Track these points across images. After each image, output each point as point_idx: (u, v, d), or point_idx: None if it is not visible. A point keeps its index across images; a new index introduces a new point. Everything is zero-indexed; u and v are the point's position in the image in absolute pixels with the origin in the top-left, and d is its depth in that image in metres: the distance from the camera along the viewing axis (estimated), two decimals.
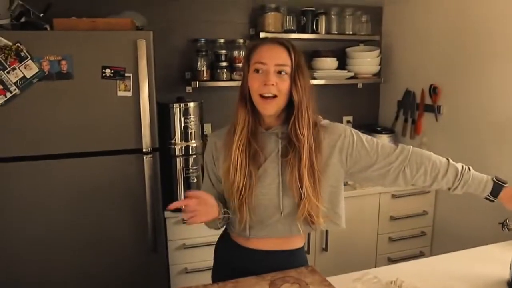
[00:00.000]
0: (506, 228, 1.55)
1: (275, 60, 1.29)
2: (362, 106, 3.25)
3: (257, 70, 1.30)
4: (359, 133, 1.41)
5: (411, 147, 1.41)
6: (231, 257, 1.48)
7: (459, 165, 1.40)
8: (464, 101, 2.49)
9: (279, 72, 1.29)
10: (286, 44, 1.31)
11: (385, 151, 1.38)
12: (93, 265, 2.15)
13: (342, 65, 2.97)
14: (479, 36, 2.36)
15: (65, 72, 1.95)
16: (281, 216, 1.37)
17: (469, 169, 1.40)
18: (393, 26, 3.05)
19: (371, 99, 3.28)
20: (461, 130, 2.53)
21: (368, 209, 2.67)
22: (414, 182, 1.39)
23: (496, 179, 1.38)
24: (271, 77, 1.28)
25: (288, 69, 1.29)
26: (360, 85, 3.16)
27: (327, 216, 1.40)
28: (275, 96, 1.29)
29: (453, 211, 2.67)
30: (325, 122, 1.42)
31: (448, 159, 1.41)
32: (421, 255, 2.85)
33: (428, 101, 2.75)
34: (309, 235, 2.54)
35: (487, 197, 1.38)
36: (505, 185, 1.37)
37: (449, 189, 1.40)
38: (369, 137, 1.41)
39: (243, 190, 1.35)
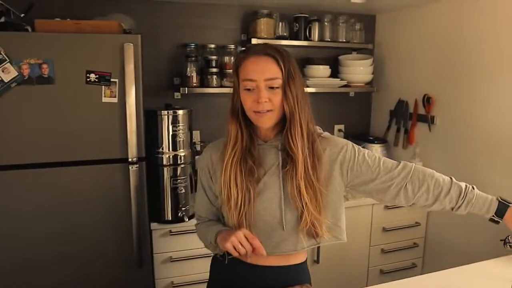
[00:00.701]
0: (508, 245, 1.51)
1: (264, 75, 1.21)
2: (354, 115, 3.20)
3: (248, 88, 1.23)
4: (361, 147, 1.37)
5: (414, 164, 1.35)
6: (229, 274, 1.39)
7: (462, 184, 1.34)
8: (458, 112, 2.45)
9: (271, 87, 1.22)
10: (274, 55, 1.23)
11: (387, 166, 1.33)
12: (74, 280, 2.04)
13: (334, 73, 2.92)
14: (472, 47, 2.32)
15: (46, 76, 1.84)
16: (283, 231, 1.30)
17: (472, 188, 1.34)
18: (386, 34, 3.01)
19: (363, 108, 3.23)
20: (454, 141, 2.49)
21: (361, 220, 2.61)
22: (415, 201, 1.33)
23: (501, 199, 1.32)
24: (263, 94, 1.21)
25: (279, 81, 1.22)
26: (352, 94, 3.14)
27: (331, 230, 1.34)
28: (270, 110, 1.23)
29: (445, 222, 2.62)
30: (325, 134, 1.37)
31: (451, 178, 1.35)
32: (413, 266, 2.80)
33: (421, 111, 2.71)
34: None
35: (492, 217, 1.32)
36: (510, 204, 1.31)
37: (452, 209, 1.33)
38: (371, 152, 1.36)
39: (242, 206, 1.28)
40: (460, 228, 2.45)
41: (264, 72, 1.21)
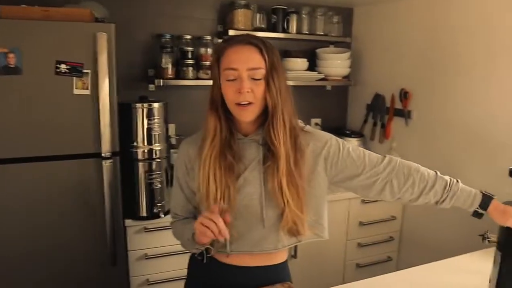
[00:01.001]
0: (486, 241, 1.52)
1: (246, 64, 1.16)
2: (331, 109, 3.20)
3: (229, 78, 1.18)
4: (345, 142, 1.33)
5: (399, 158, 1.33)
6: (208, 274, 1.35)
7: (447, 177, 1.33)
8: (434, 106, 2.47)
9: (254, 78, 1.17)
10: (258, 44, 1.19)
11: (372, 161, 1.31)
12: (46, 278, 1.96)
13: (311, 66, 2.90)
14: (448, 42, 2.34)
15: (12, 66, 1.74)
16: (263, 229, 1.26)
17: (457, 181, 1.33)
18: (364, 28, 3.01)
19: (340, 102, 3.23)
20: (431, 135, 2.51)
21: (338, 215, 2.61)
22: (401, 195, 1.31)
23: (485, 192, 1.32)
24: (245, 83, 1.16)
25: (262, 72, 1.18)
26: (329, 87, 3.13)
27: (313, 228, 1.31)
28: (251, 103, 1.19)
29: (420, 215, 2.66)
30: (308, 128, 1.33)
31: (436, 172, 1.34)
32: (388, 260, 2.83)
33: (398, 105, 2.72)
34: None
35: (476, 210, 1.31)
36: (494, 197, 1.31)
37: (436, 202, 1.32)
38: (355, 146, 1.33)
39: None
40: (435, 222, 2.49)
41: (247, 62, 1.16)
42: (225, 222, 1.13)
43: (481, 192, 1.32)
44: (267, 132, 1.22)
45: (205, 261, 1.23)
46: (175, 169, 1.37)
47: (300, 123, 1.32)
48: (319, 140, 1.30)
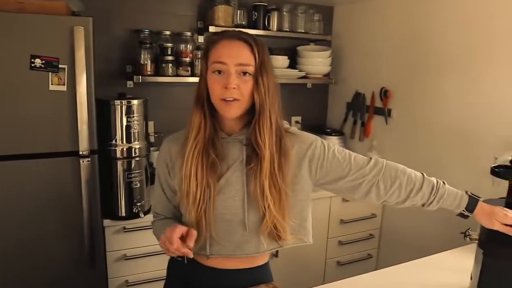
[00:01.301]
0: (468, 238, 1.53)
1: (236, 59, 1.13)
2: (311, 107, 3.19)
3: (217, 71, 1.15)
4: (330, 144, 1.31)
5: (385, 160, 1.31)
6: (188, 277, 1.31)
7: (433, 179, 1.32)
8: (414, 105, 2.50)
9: (242, 73, 1.14)
10: (248, 40, 1.16)
11: (358, 163, 1.28)
12: (21, 281, 1.89)
13: (292, 64, 2.89)
14: (427, 41, 2.37)
15: None
16: (245, 232, 1.23)
17: (443, 183, 1.33)
18: (344, 26, 3.01)
19: (320, 100, 3.23)
20: (411, 134, 2.54)
21: (319, 213, 2.61)
22: (387, 198, 1.29)
23: (471, 194, 1.32)
24: (232, 79, 1.13)
25: (251, 68, 1.15)
26: (309, 85, 3.12)
27: (296, 232, 1.28)
28: (237, 99, 1.15)
29: (399, 213, 2.68)
30: (293, 129, 1.30)
31: (423, 174, 1.33)
32: (369, 257, 2.85)
33: (378, 103, 2.74)
34: None
35: (462, 212, 1.31)
36: (480, 199, 1.32)
37: (423, 205, 1.31)
38: (341, 148, 1.31)
39: (200, 203, 1.19)
40: (414, 219, 2.51)
41: (236, 57, 1.14)
42: (188, 235, 1.13)
43: (466, 193, 1.32)
44: (253, 132, 1.19)
45: (185, 262, 1.22)
46: (156, 167, 1.33)
47: (285, 124, 1.30)
48: (304, 142, 1.27)
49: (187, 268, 1.29)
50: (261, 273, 1.34)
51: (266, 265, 1.37)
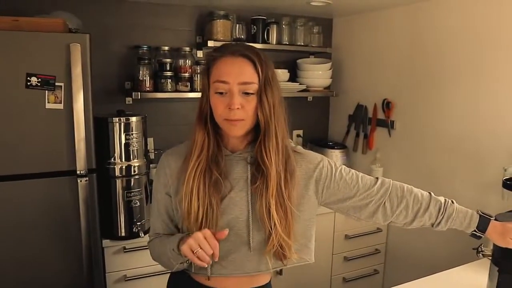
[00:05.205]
0: (481, 254, 1.48)
1: (238, 78, 1.09)
2: (312, 120, 3.15)
3: (219, 92, 1.11)
4: (337, 163, 1.28)
5: (391, 180, 1.28)
6: None
7: (441, 198, 1.28)
8: (418, 117, 2.46)
9: (245, 92, 1.10)
10: (251, 56, 1.11)
11: (365, 183, 1.25)
12: None
13: (292, 77, 2.86)
14: (431, 52, 2.34)
15: None
16: (249, 252, 1.19)
17: (452, 202, 1.29)
18: (343, 38, 2.99)
19: (321, 113, 3.20)
20: (414, 146, 2.49)
21: (324, 228, 2.56)
22: (394, 219, 1.26)
23: (482, 213, 1.28)
24: (236, 99, 1.09)
25: (254, 86, 1.10)
26: (310, 98, 3.09)
27: (299, 251, 1.24)
28: (242, 119, 1.11)
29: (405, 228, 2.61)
30: (299, 148, 1.27)
31: (430, 193, 1.29)
32: (375, 273, 2.78)
33: (381, 115, 2.70)
34: None
35: (474, 232, 1.27)
36: (491, 218, 1.27)
37: (432, 225, 1.28)
38: (347, 168, 1.28)
39: (203, 222, 1.15)
40: (421, 234, 2.45)
41: (239, 75, 1.09)
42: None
43: (477, 212, 1.28)
44: (258, 150, 1.15)
45: (193, 270, 1.18)
46: (155, 182, 1.28)
47: (291, 142, 1.26)
48: (311, 162, 1.24)
49: (186, 287, 1.24)
50: None
51: (268, 285, 1.32)
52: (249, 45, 1.16)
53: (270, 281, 1.33)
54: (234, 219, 1.17)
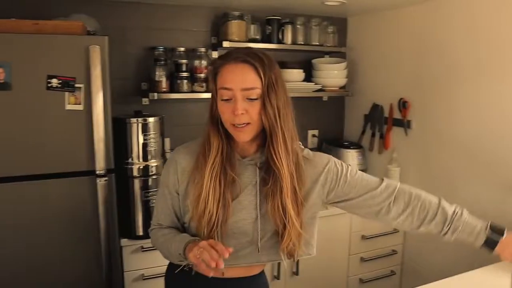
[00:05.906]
0: None
1: (241, 84, 1.11)
2: (328, 120, 3.14)
3: (224, 98, 1.13)
4: (343, 164, 1.30)
5: (398, 183, 1.30)
6: (184, 285, 1.31)
7: (450, 209, 1.28)
8: (435, 116, 2.43)
9: (248, 97, 1.12)
10: (253, 62, 1.12)
11: (370, 185, 1.28)
12: None
13: (307, 77, 2.85)
14: (448, 51, 2.31)
15: (2, 81, 1.66)
16: (256, 252, 1.24)
17: (461, 213, 1.28)
18: (358, 38, 2.98)
19: (337, 113, 3.18)
20: (431, 146, 2.47)
21: (340, 229, 2.55)
22: (398, 223, 1.28)
23: (492, 228, 1.27)
24: (239, 105, 1.11)
25: (257, 91, 1.12)
26: (325, 98, 3.08)
27: (304, 246, 1.28)
28: (248, 123, 1.14)
29: None
30: (306, 152, 1.28)
31: (439, 200, 1.29)
32: (392, 274, 2.76)
33: (397, 115, 2.68)
34: None
35: (484, 246, 1.28)
36: (502, 236, 1.26)
37: (439, 233, 1.29)
38: (353, 169, 1.30)
39: (215, 223, 1.17)
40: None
41: (241, 82, 1.11)
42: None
43: (488, 226, 1.27)
44: (269, 154, 1.18)
45: (193, 273, 1.20)
46: (164, 175, 1.30)
47: (300, 144, 1.28)
48: (317, 166, 1.27)
49: (183, 277, 1.26)
50: (258, 281, 1.34)
51: (262, 274, 1.37)
52: (253, 50, 1.18)
53: (263, 270, 1.37)
54: (241, 221, 1.22)
